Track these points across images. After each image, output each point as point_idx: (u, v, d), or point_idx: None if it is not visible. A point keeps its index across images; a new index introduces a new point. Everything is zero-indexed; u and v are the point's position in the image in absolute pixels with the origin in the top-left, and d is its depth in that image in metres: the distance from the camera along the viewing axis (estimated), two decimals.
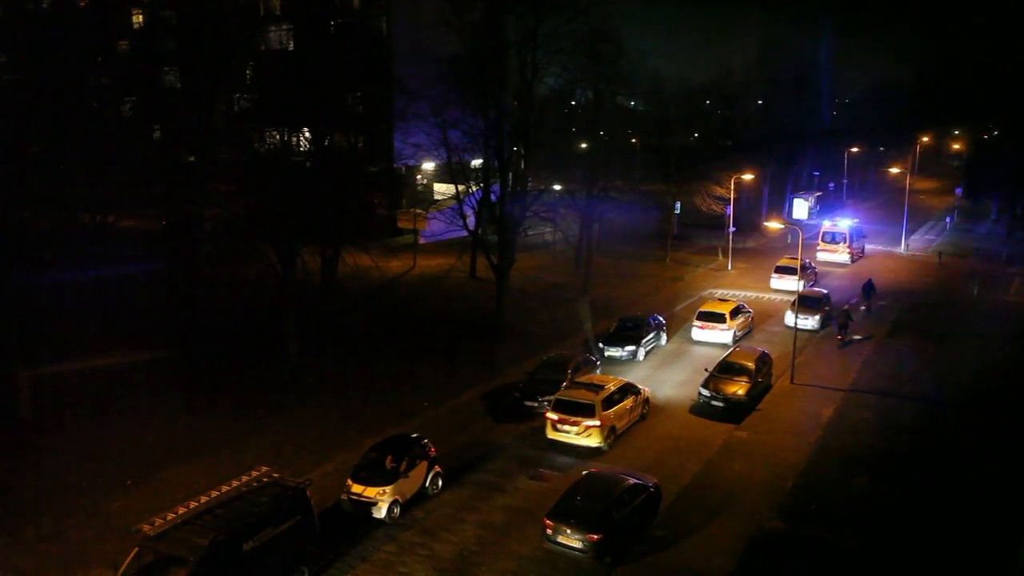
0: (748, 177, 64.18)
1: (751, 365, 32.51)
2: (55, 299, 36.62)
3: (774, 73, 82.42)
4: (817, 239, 59.61)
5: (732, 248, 59.96)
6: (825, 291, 45.55)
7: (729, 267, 58.23)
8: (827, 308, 43.42)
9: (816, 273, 53.47)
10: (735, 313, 40.34)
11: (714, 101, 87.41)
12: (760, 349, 34.88)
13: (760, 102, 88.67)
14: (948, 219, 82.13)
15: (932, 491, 24.60)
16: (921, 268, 58.33)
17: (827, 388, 33.40)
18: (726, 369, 32.51)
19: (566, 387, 29.76)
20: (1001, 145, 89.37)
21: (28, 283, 32.97)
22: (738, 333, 40.03)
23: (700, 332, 39.95)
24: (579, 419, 27.41)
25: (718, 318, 39.68)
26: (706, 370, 33.15)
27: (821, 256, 58.50)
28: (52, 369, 31.38)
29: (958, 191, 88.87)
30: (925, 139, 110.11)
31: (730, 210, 61.01)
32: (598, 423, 27.28)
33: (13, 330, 29.74)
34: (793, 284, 44.18)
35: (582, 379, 30.62)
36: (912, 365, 36.35)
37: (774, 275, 50.49)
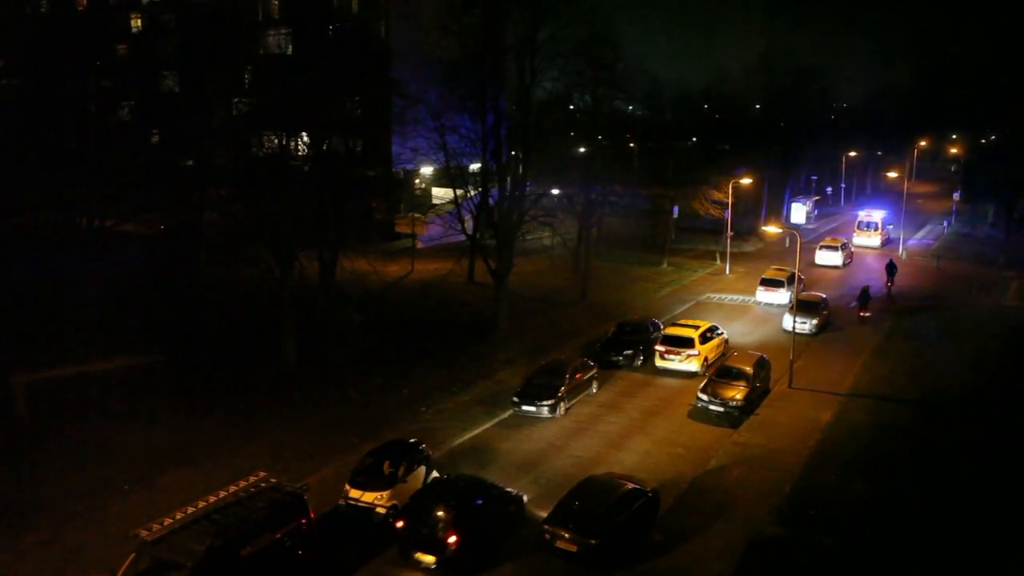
0: (746, 181, 64.25)
1: (749, 369, 32.47)
2: (52, 303, 36.58)
3: (772, 77, 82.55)
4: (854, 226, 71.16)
5: (730, 252, 60.00)
6: (823, 295, 45.64)
7: (727, 271, 58.25)
8: (825, 312, 43.50)
9: (852, 252, 62.91)
10: (791, 280, 47.72)
11: (712, 105, 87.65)
12: (758, 353, 34.90)
13: (758, 106, 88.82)
14: (946, 223, 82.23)
15: (931, 496, 24.60)
16: (919, 272, 58.40)
17: (825, 392, 33.39)
18: (724, 373, 32.47)
19: (671, 326, 37.71)
20: (999, 150, 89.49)
21: (25, 287, 32.95)
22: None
23: (764, 294, 48.65)
24: (681, 350, 35.32)
25: (778, 283, 48.44)
26: (705, 374, 33.18)
27: (856, 240, 68.00)
28: (49, 373, 31.31)
29: (956, 195, 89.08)
30: (923, 143, 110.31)
31: (728, 214, 61.07)
32: (697, 352, 35.18)
33: (9, 334, 29.70)
34: (836, 259, 59.21)
35: (681, 321, 39.00)
36: (909, 369, 36.42)
37: (818, 251, 60.47)
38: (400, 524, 20.79)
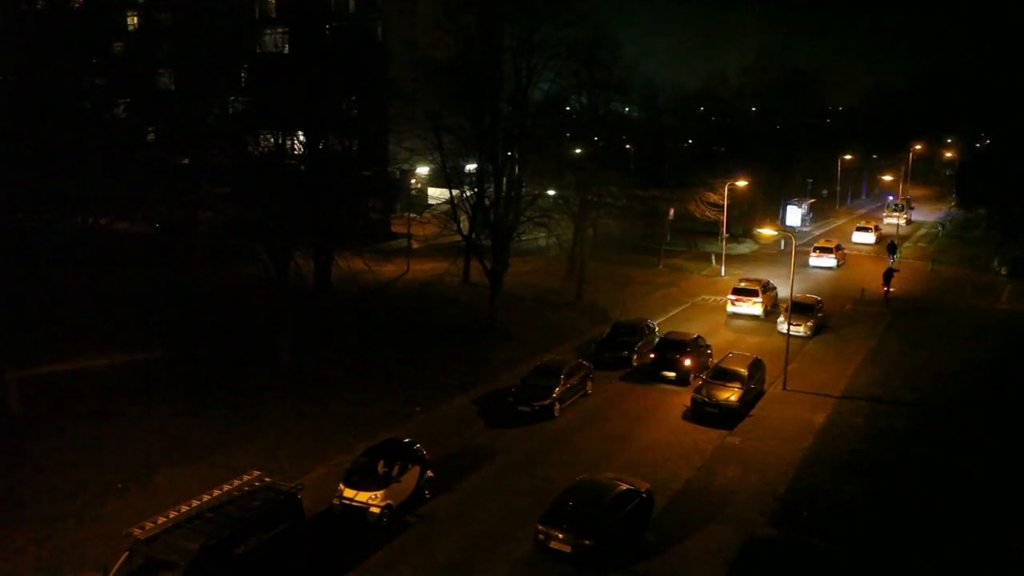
0: (741, 184, 64.36)
1: (744, 371, 32.56)
2: (48, 300, 36.46)
3: (768, 79, 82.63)
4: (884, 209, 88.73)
5: (725, 255, 60.06)
6: (819, 297, 45.80)
7: (722, 273, 58.33)
8: (820, 314, 43.64)
9: (880, 230, 76.19)
10: (836, 248, 62.74)
11: (708, 107, 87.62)
12: (753, 355, 34.95)
13: (754, 108, 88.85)
14: (940, 226, 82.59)
15: (924, 498, 24.67)
16: (914, 275, 58.55)
17: (819, 395, 33.47)
18: (719, 375, 32.55)
19: (740, 280, 49.15)
20: (993, 154, 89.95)
21: (19, 283, 32.85)
22: (840, 262, 61.82)
23: (814, 259, 61.57)
24: (748, 298, 46.26)
25: (827, 251, 62.13)
26: (700, 378, 33.25)
27: (887, 220, 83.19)
28: (43, 369, 31.22)
29: (952, 198, 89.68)
30: (918, 147, 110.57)
31: (724, 217, 61.18)
32: (760, 300, 46.03)
33: (2, 331, 29.56)
34: (869, 238, 73.55)
35: (745, 277, 50.67)
36: (903, 372, 36.53)
37: (855, 231, 76.12)
38: (652, 356, 36.12)
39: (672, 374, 35.13)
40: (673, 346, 36.23)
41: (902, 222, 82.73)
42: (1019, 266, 59.02)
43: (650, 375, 35.65)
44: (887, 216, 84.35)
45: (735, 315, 46.24)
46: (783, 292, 50.90)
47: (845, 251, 64.45)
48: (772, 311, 46.50)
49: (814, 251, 62.34)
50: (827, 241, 64.66)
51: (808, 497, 24.65)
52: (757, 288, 46.80)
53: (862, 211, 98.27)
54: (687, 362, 35.20)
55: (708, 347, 37.62)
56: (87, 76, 41.21)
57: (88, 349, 33.60)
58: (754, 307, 46.21)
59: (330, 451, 27.46)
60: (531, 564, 21.08)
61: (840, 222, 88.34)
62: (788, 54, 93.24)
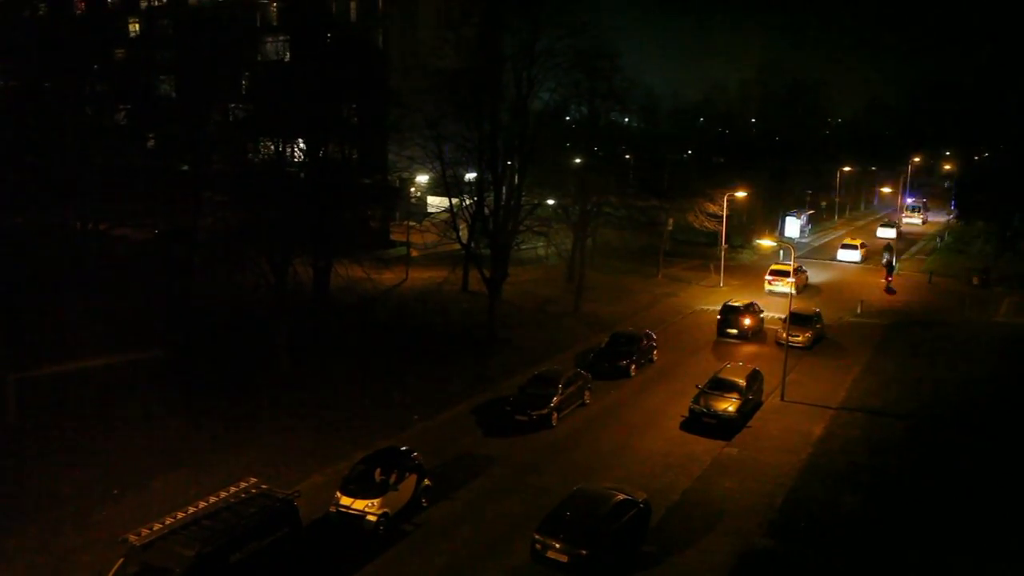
0: (741, 195, 64.47)
1: (742, 382, 32.52)
2: (46, 302, 36.43)
3: (768, 91, 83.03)
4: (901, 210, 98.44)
5: (724, 265, 60.11)
6: (816, 309, 45.82)
7: (721, 284, 58.36)
8: (818, 326, 43.66)
9: (900, 229, 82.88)
10: (861, 245, 71.52)
11: (708, 118, 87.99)
12: (751, 366, 34.92)
13: (753, 120, 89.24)
14: (938, 239, 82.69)
15: (921, 510, 24.63)
16: (912, 287, 58.61)
17: (817, 406, 33.43)
18: (717, 386, 32.51)
19: (775, 263, 58.33)
20: (992, 166, 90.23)
21: (18, 285, 32.84)
22: (864, 255, 70.20)
23: (842, 253, 71.02)
24: (783, 278, 54.03)
25: (853, 247, 71.11)
26: (697, 386, 33.22)
27: (905, 220, 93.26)
28: (40, 371, 31.15)
29: (951, 209, 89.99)
30: (917, 159, 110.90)
31: (723, 227, 61.25)
32: (793, 280, 49.07)
33: (1, 332, 29.55)
34: (891, 233, 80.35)
35: (777, 264, 58.27)
36: (901, 383, 36.52)
37: (879, 229, 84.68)
38: (719, 318, 44.09)
39: (735, 330, 43.34)
40: (734, 310, 44.20)
41: (919, 221, 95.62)
42: (990, 276, 59.50)
43: (717, 333, 43.98)
44: (905, 216, 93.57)
45: (771, 291, 54.15)
46: (812, 278, 59.86)
47: (868, 247, 72.86)
48: (804, 290, 54.79)
49: (841, 247, 71.92)
50: (853, 238, 74.17)
51: (806, 508, 24.60)
52: (789, 270, 53.13)
53: (861, 223, 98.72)
54: (746, 322, 43.41)
55: (761, 311, 45.73)
56: (88, 82, 41.26)
57: (87, 353, 33.52)
58: (786, 287, 52.86)
59: (327, 459, 27.42)
60: (528, 573, 21.02)
61: (839, 233, 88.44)
62: (787, 66, 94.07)
